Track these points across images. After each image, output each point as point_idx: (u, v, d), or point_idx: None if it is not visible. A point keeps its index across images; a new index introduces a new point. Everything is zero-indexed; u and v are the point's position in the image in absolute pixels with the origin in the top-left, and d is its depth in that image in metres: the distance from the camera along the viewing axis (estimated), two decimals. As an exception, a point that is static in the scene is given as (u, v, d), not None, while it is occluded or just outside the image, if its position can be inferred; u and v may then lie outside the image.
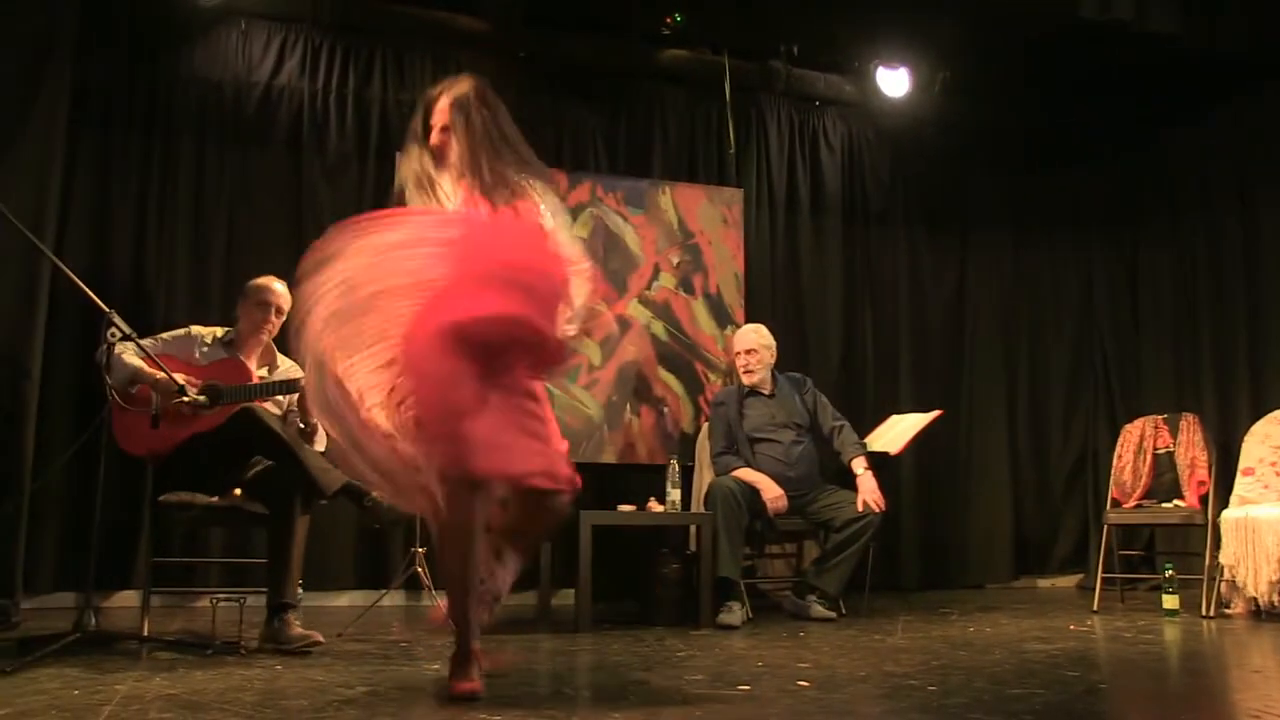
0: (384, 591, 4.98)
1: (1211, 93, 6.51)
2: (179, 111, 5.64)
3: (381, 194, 5.93)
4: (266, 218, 5.73)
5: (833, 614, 4.98)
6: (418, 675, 3.32)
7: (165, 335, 4.33)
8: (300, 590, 4.17)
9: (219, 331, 4.43)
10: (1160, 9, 5.26)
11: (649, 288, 6.36)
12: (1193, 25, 5.35)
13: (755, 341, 5.45)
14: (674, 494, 5.13)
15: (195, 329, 4.43)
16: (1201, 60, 5.90)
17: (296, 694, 2.92)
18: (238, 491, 4.11)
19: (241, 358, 4.34)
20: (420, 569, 4.65)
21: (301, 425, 4.23)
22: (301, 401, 4.18)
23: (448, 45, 6.16)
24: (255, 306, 4.40)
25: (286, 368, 4.44)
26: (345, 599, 5.58)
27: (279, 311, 4.40)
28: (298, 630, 3.76)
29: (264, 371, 4.41)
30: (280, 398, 4.39)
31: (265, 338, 4.44)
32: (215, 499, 4.15)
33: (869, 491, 5.03)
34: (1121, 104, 6.87)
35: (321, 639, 3.78)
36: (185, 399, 3.91)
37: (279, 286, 4.41)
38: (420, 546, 4.66)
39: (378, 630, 4.45)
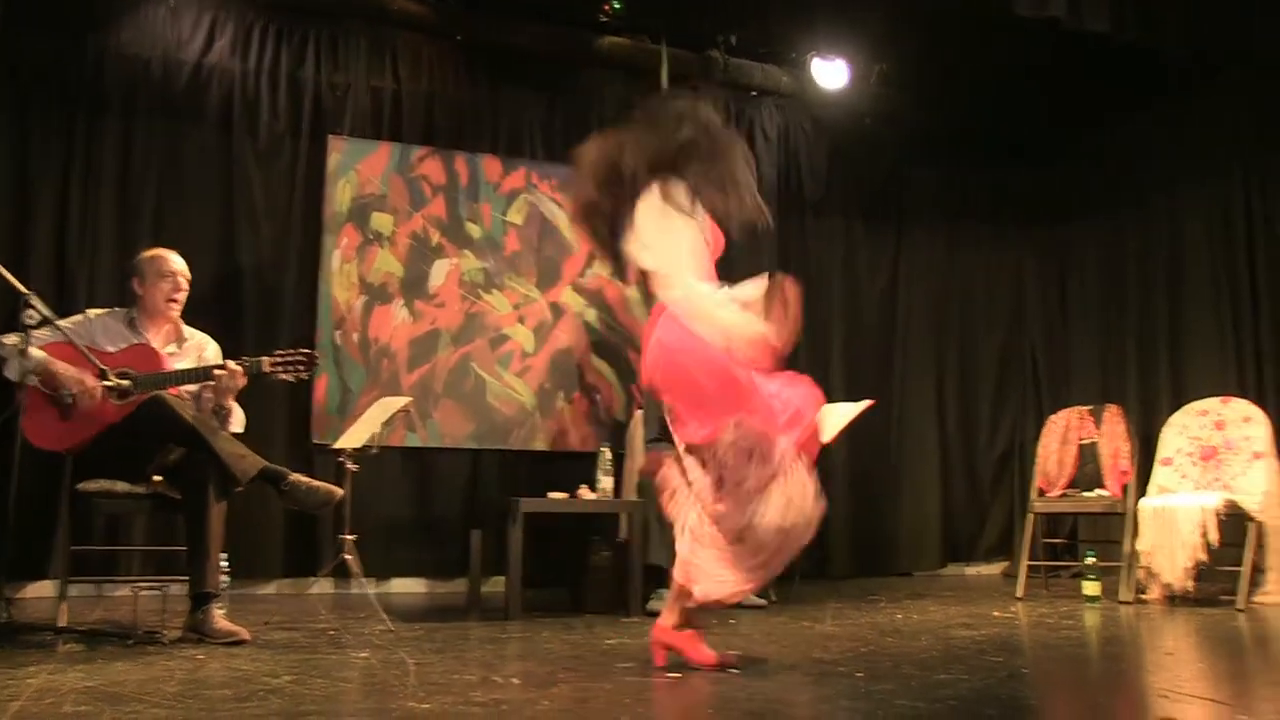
0: (313, 579, 4.92)
1: (1143, 91, 6.60)
2: (104, 88, 5.52)
3: (314, 177, 5.87)
4: (196, 199, 5.65)
5: (763, 601, 5.01)
6: (345, 663, 3.29)
7: (65, 323, 3.98)
8: (226, 579, 4.11)
9: (118, 310, 4.25)
10: (1092, 7, 5.32)
11: (583, 275, 6.34)
12: (1124, 24, 5.42)
13: None
14: (605, 482, 5.12)
15: (92, 312, 4.24)
16: (1134, 58, 5.98)
17: (220, 684, 2.87)
18: (158, 478, 4.00)
19: (148, 338, 4.18)
20: (349, 556, 4.59)
21: (216, 408, 4.11)
22: (219, 383, 4.06)
23: (385, 28, 6.09)
24: (158, 278, 4.22)
25: (196, 342, 4.32)
26: (273, 587, 5.52)
27: (184, 282, 4.27)
28: (223, 624, 3.68)
29: (172, 349, 4.25)
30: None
31: (172, 313, 4.27)
32: (136, 486, 4.04)
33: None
34: (1055, 100, 6.95)
35: (247, 636, 3.67)
36: (108, 384, 3.83)
37: (176, 255, 4.28)
38: (349, 533, 4.60)
39: (306, 618, 4.40)
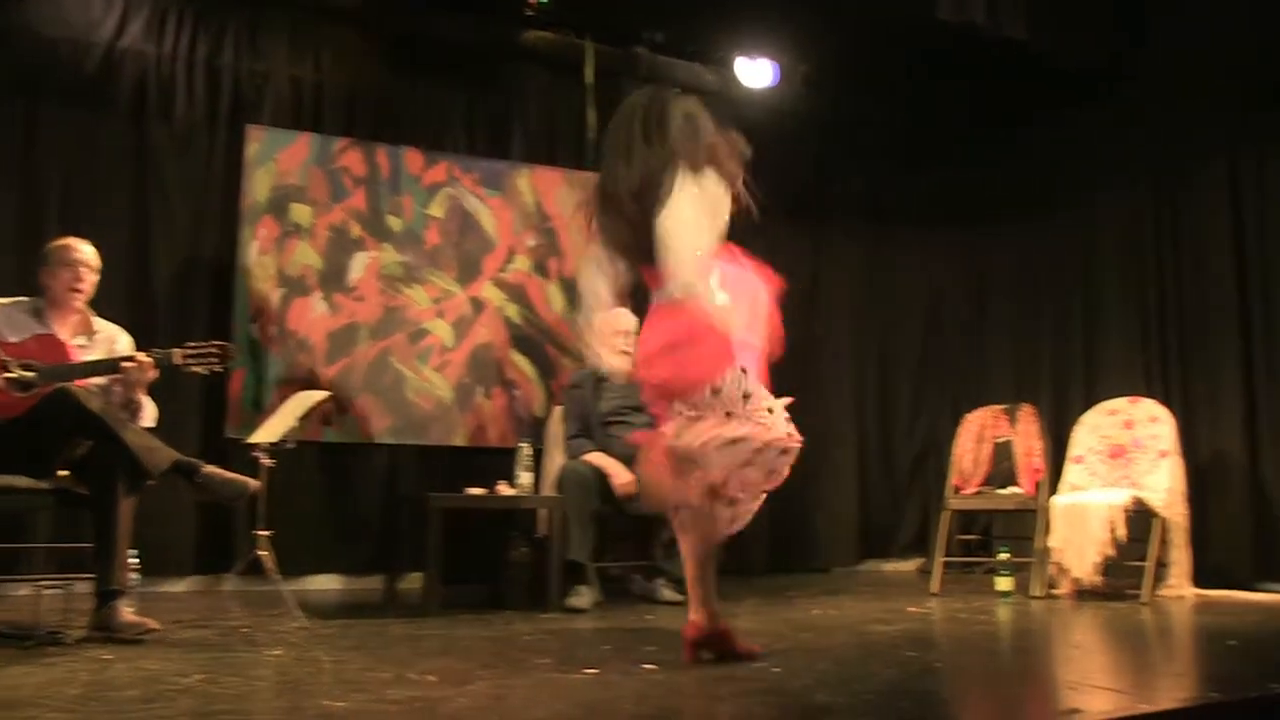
0: (225, 576, 4.84)
1: (1060, 96, 6.71)
2: (8, 70, 5.34)
3: (232, 168, 5.77)
4: (107, 188, 5.51)
5: (681, 597, 5.00)
6: (258, 661, 3.24)
7: None
8: (136, 576, 4.02)
9: (23, 300, 4.11)
10: (1010, 15, 5.42)
11: (504, 270, 6.31)
12: (1040, 32, 5.53)
13: (632, 325, 5.45)
14: (524, 477, 5.10)
15: None
16: (1051, 65, 6.09)
17: (126, 685, 2.80)
18: (64, 473, 3.89)
19: (55, 329, 4.06)
20: (263, 553, 4.51)
21: (126, 402, 3.99)
22: (127, 375, 3.96)
23: (306, 17, 6.01)
24: (62, 268, 4.09)
25: (107, 334, 4.21)
26: (185, 584, 5.42)
27: (89, 271, 4.14)
28: (130, 617, 3.60)
29: (82, 340, 4.13)
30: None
31: (79, 303, 4.14)
32: (40, 482, 3.91)
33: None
34: (975, 104, 7.06)
35: (156, 625, 3.61)
36: (10, 375, 3.72)
37: (84, 244, 4.16)
38: (263, 529, 4.52)
39: (218, 616, 4.32)
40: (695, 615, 3.25)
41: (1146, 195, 6.49)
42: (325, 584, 5.72)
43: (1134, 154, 6.54)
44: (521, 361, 6.28)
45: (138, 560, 4.03)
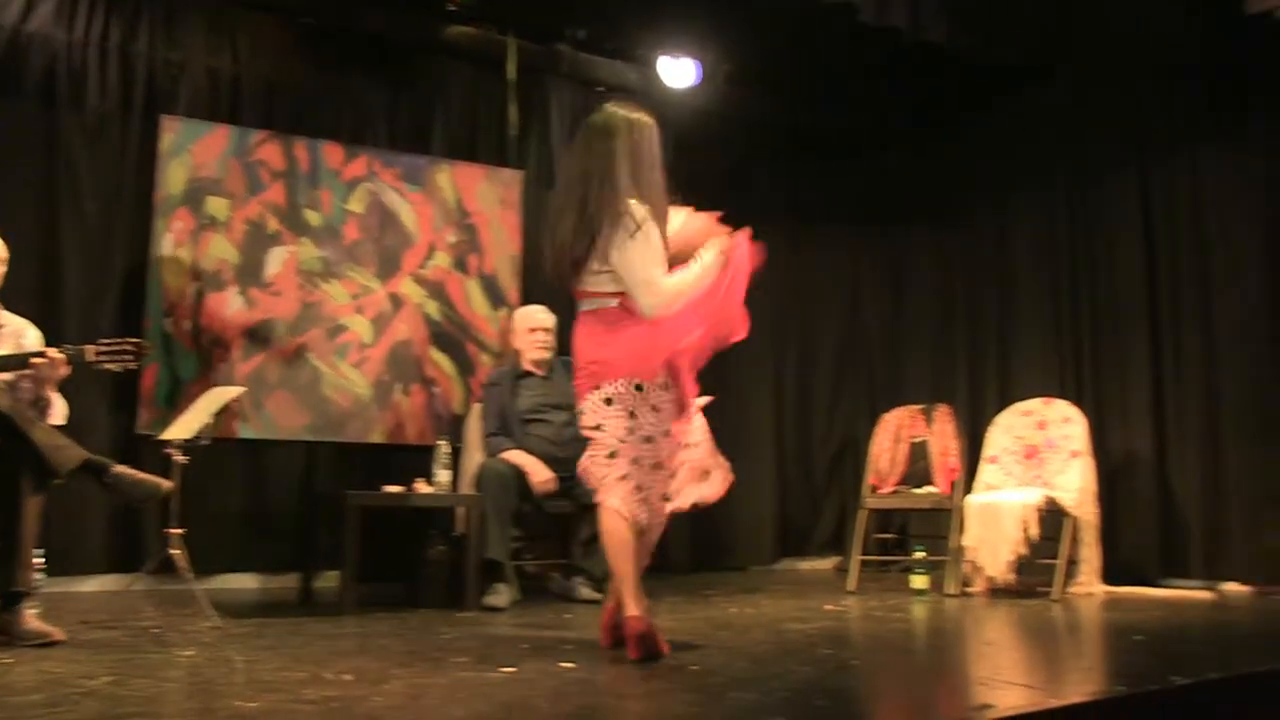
0: (136, 575, 4.74)
1: (979, 98, 6.81)
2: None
3: (145, 158, 5.64)
4: (14, 177, 5.34)
5: (599, 595, 5.01)
6: (169, 662, 3.17)
7: None
8: (41, 576, 3.91)
9: None
10: (931, 18, 5.50)
11: (423, 266, 6.25)
12: (959, 36, 5.61)
13: (550, 321, 5.45)
14: (443, 475, 5.07)
15: None
16: (972, 66, 6.17)
17: (29, 688, 2.72)
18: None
19: None
20: (176, 551, 4.41)
21: (35, 399, 3.87)
22: (37, 371, 3.85)
23: (224, 5, 5.90)
24: None
25: (14, 328, 4.07)
26: (94, 584, 5.30)
27: None
28: (34, 624, 3.50)
29: None
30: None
31: None
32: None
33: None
34: (895, 104, 7.15)
35: (61, 637, 3.49)
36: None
37: None
38: (176, 527, 4.42)
39: (128, 616, 4.23)
40: (639, 609, 3.27)
41: (1061, 196, 6.63)
42: (240, 583, 5.62)
43: (1049, 155, 6.67)
44: (441, 359, 6.23)
45: (43, 560, 3.93)
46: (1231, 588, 5.58)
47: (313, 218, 6.00)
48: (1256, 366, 5.66)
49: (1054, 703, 2.57)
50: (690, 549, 6.85)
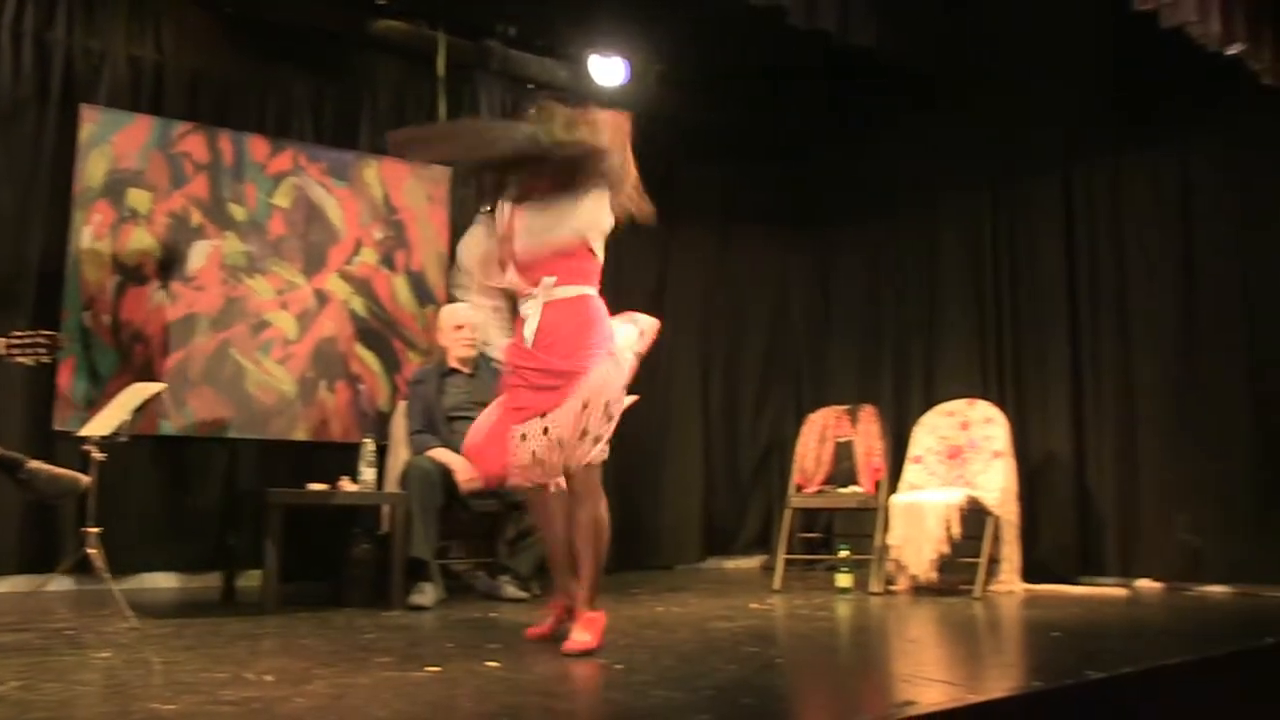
0: (50, 575, 4.63)
1: (907, 101, 6.86)
2: None
3: (63, 148, 5.51)
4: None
5: (525, 594, 5.01)
6: (84, 665, 3.11)
7: None
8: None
9: None
10: (860, 23, 5.54)
11: (350, 263, 6.19)
12: (888, 39, 5.67)
13: (474, 318, 5.40)
14: (368, 473, 5.03)
15: None
16: (902, 69, 6.24)
17: (-68, 691, 2.65)
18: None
19: None
20: (92, 550, 4.31)
21: None
22: None
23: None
24: None
25: None
26: (5, 585, 5.16)
27: None
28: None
29: None
30: None
31: None
32: None
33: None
34: (824, 105, 7.20)
35: None
36: None
37: None
38: (93, 525, 4.32)
39: (41, 618, 4.14)
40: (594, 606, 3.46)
41: (985, 199, 6.74)
42: (159, 582, 5.52)
43: (975, 159, 6.77)
44: (366, 355, 6.16)
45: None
46: (1145, 585, 5.71)
47: (237, 212, 5.90)
48: (1169, 369, 5.80)
49: (974, 699, 2.61)
50: (616, 548, 6.80)
